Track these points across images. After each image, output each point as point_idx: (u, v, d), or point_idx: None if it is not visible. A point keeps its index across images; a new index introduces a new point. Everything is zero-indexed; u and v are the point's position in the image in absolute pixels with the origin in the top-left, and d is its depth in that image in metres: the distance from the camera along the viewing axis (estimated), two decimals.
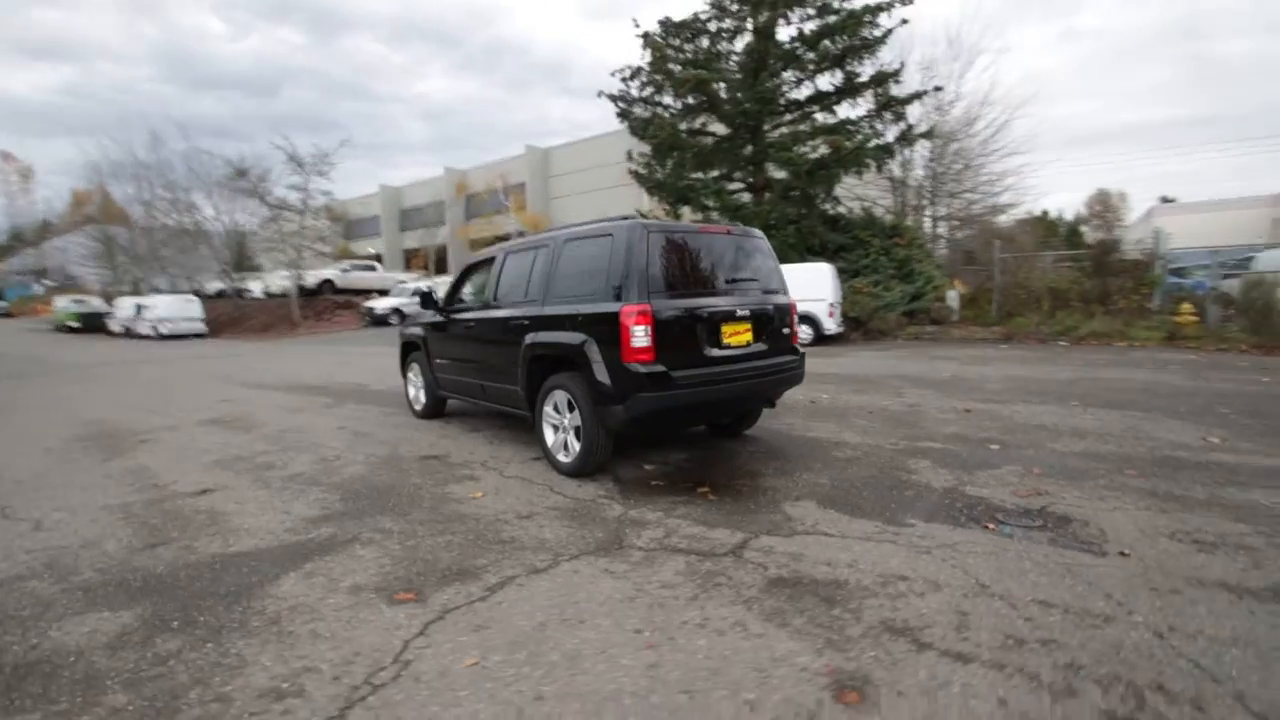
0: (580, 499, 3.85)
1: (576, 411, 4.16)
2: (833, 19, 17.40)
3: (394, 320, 24.46)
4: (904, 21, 17.09)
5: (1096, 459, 4.33)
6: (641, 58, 19.93)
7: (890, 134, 17.57)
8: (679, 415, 4.18)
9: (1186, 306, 12.82)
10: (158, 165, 29.37)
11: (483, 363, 5.22)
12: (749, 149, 19.09)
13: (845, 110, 18.60)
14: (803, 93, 18.80)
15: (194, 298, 25.18)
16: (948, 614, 2.37)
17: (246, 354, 16.69)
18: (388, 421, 6.47)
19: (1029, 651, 2.12)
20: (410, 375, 6.71)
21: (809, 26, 17.87)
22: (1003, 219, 26.99)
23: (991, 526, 3.22)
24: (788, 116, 19.10)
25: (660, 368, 3.83)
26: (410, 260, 41.18)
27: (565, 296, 4.36)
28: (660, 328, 3.86)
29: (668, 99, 19.86)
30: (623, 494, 3.93)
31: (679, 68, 18.61)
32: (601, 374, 3.93)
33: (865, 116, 17.96)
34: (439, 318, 6.00)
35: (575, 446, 4.23)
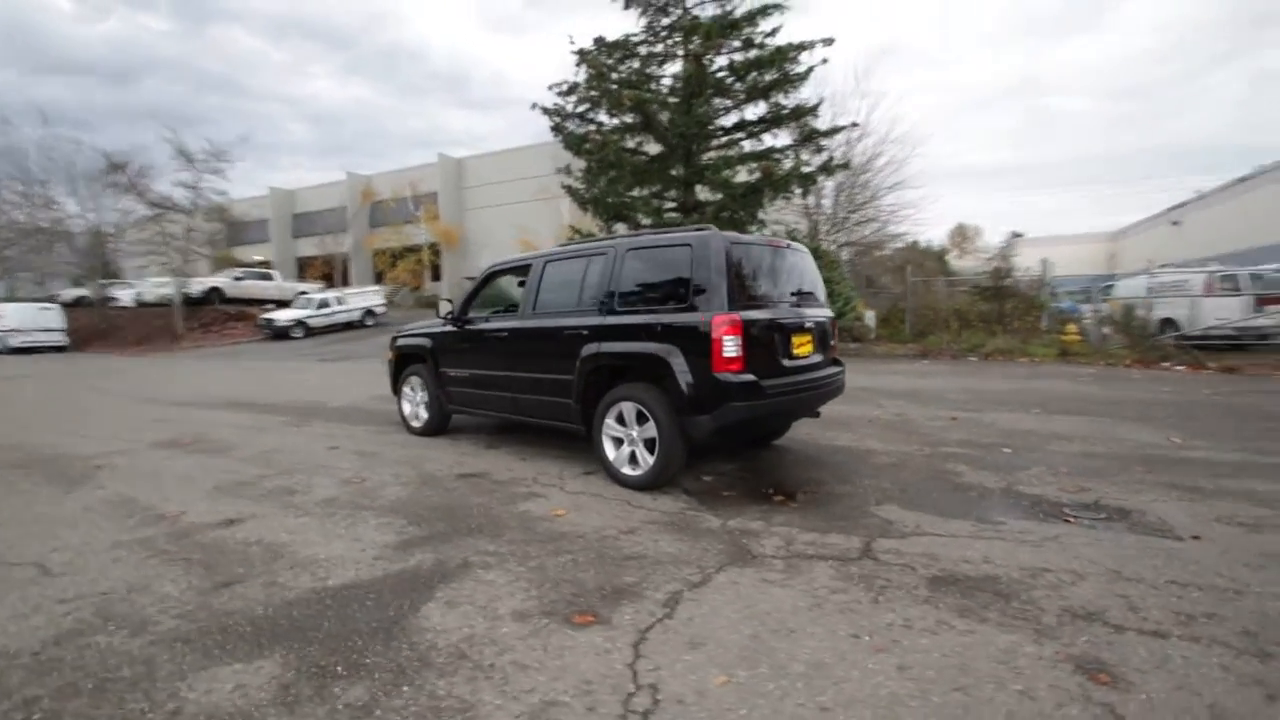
0: (669, 511, 3.77)
1: (651, 423, 4.08)
2: (758, 53, 18.40)
3: (298, 333, 22.62)
4: (824, 61, 18.36)
5: (1100, 459, 4.86)
6: (576, 74, 20.05)
7: (814, 163, 18.79)
8: (758, 424, 4.22)
9: (1071, 327, 14.64)
10: (7, 150, 25.31)
11: (519, 375, 4.98)
12: (680, 169, 19.68)
13: (769, 139, 19.75)
14: (731, 119, 19.66)
15: (52, 305, 21.84)
16: (1110, 598, 2.57)
17: (131, 370, 14.72)
18: (385, 439, 5.97)
19: (1203, 624, 2.35)
20: (406, 390, 6.25)
21: (739, 57, 18.79)
22: (892, 247, 29.53)
23: (1072, 520, 3.52)
24: (718, 141, 19.89)
25: (750, 377, 3.86)
26: (305, 269, 38.24)
27: (634, 306, 4.28)
28: (747, 338, 3.90)
29: (603, 116, 20.11)
30: (704, 505, 3.89)
31: (615, 87, 18.90)
32: (688, 384, 3.89)
33: (790, 146, 19.03)
34: (450, 328, 5.66)
35: (646, 459, 4.14)
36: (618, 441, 4.35)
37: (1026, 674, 2.07)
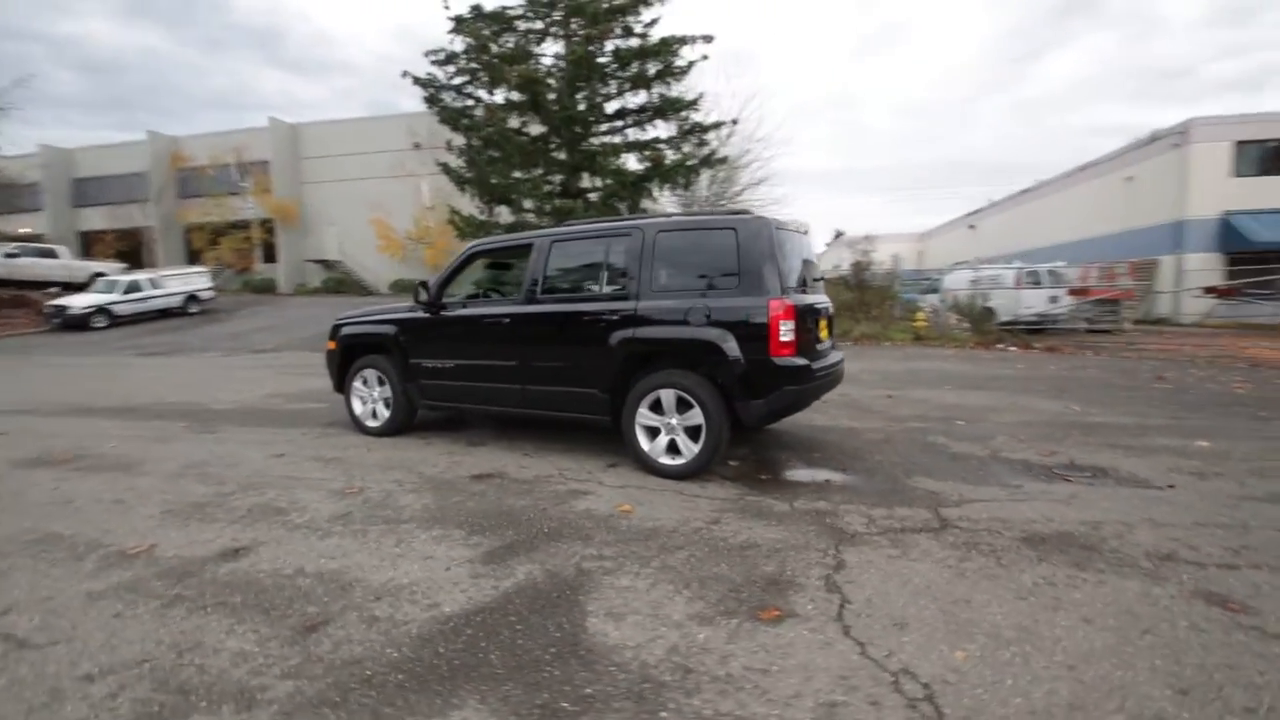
0: (729, 499, 3.72)
1: (695, 409, 3.98)
2: (641, 43, 18.51)
3: (100, 323, 18.81)
4: (705, 57, 18.95)
5: (1037, 426, 5.64)
6: (451, 43, 18.78)
7: (697, 156, 19.40)
8: (797, 408, 4.30)
9: (921, 314, 16.71)
10: None
11: (529, 365, 4.58)
12: (564, 154, 19.28)
13: (652, 130, 20.02)
14: (613, 106, 19.60)
15: None
16: (1167, 541, 3.01)
17: None
18: (337, 443, 5.18)
19: (1251, 554, 2.84)
20: (357, 385, 5.46)
21: (623, 45, 18.74)
22: None
23: (1070, 480, 4.06)
24: (603, 128, 19.75)
25: (803, 360, 3.92)
26: (92, 244, 31.74)
27: (673, 290, 4.13)
28: (798, 322, 3.95)
29: (482, 92, 19.01)
30: (754, 490, 3.90)
31: (498, 61, 17.96)
32: (743, 369, 3.85)
33: (673, 138, 19.43)
34: (422, 314, 5.05)
35: (690, 448, 4.04)
36: (651, 431, 4.19)
37: (1177, 612, 2.35)
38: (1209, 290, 19.53)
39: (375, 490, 3.90)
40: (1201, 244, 21.37)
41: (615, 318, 4.21)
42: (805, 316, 4.10)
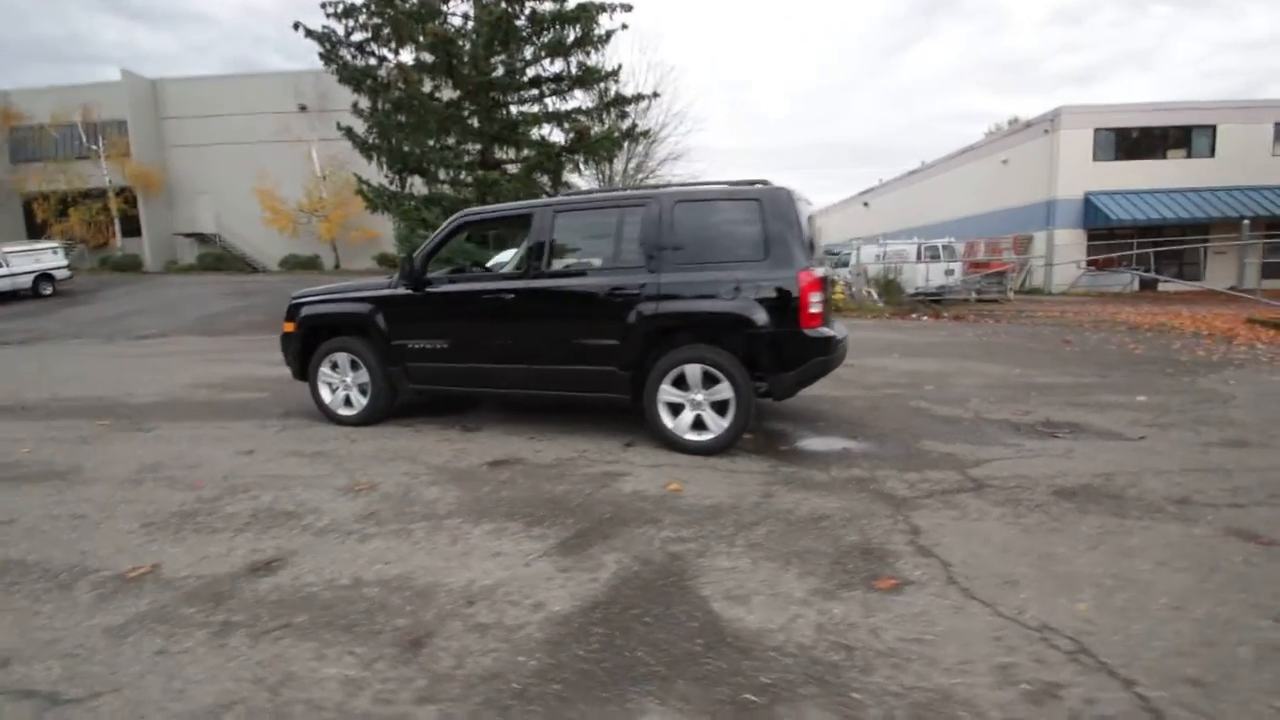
0: (770, 471, 3.72)
1: (722, 384, 3.93)
2: (556, 7, 17.76)
3: None
4: (624, 26, 18.52)
5: (996, 389, 6.10)
6: None
7: (620, 129, 19.06)
8: (817, 379, 4.33)
9: (839, 286, 17.58)
10: None
11: (539, 343, 4.30)
12: (480, 122, 18.31)
13: (573, 101, 19.43)
14: (531, 74, 18.78)
15: None
16: (1174, 487, 3.33)
17: None
18: (309, 435, 4.66)
19: (1247, 494, 3.21)
20: (325, 371, 4.91)
21: (540, 8, 17.91)
22: None
23: (1059, 436, 4.41)
24: (522, 95, 18.91)
25: (830, 331, 3.95)
26: None
27: (696, 263, 4.00)
28: (823, 292, 3.97)
29: (387, 51, 17.53)
30: (786, 461, 3.94)
31: (404, 16, 16.61)
32: (774, 342, 3.84)
33: (594, 109, 18.94)
34: (405, 290, 4.61)
35: (718, 423, 3.99)
36: (674, 408, 4.09)
37: (1221, 549, 2.61)
38: (1091, 263, 21.97)
39: (389, 485, 3.54)
40: (1068, 221, 23.94)
41: (635, 292, 4.04)
42: (826, 287, 4.13)
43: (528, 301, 4.29)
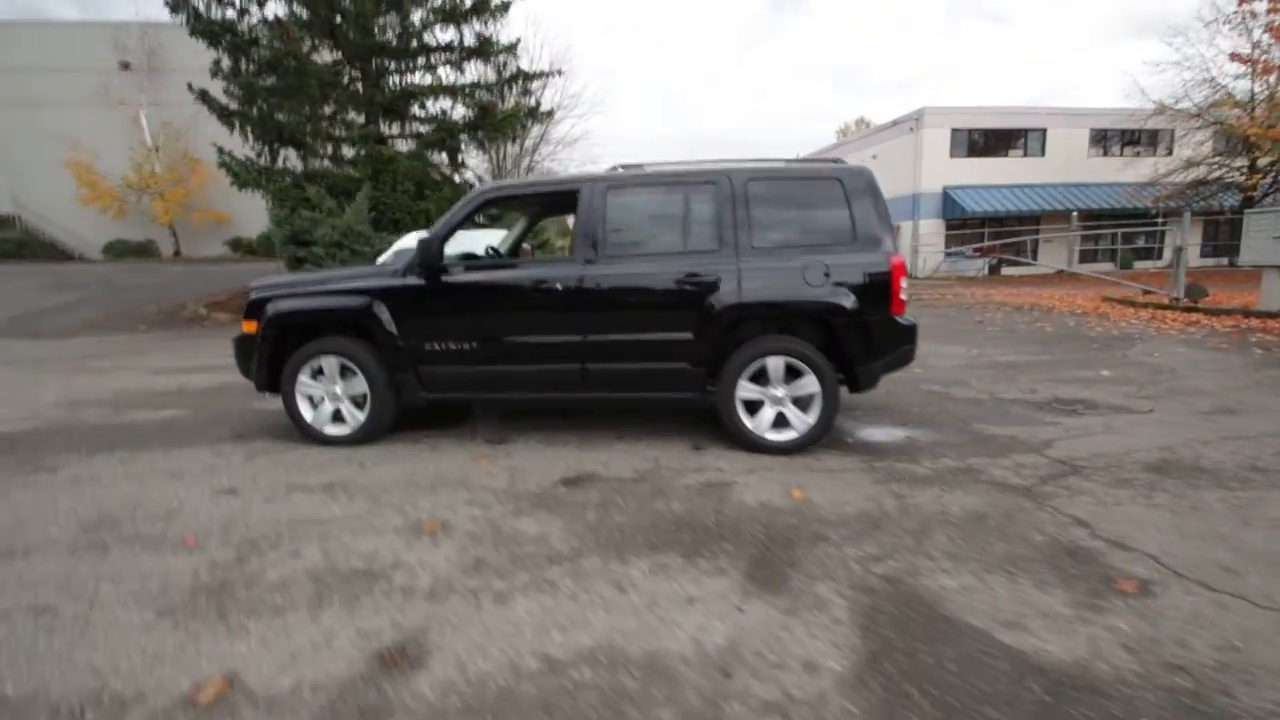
0: (864, 468, 3.51)
1: (807, 376, 3.66)
2: None
3: None
4: None
5: (978, 369, 6.40)
6: None
7: (524, 106, 18.01)
8: None
9: None
10: None
11: (593, 340, 3.73)
12: (365, 89, 16.46)
13: (471, 74, 18.07)
14: (425, 41, 17.18)
15: None
16: (1229, 454, 3.57)
17: None
18: (300, 461, 3.73)
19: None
20: (306, 381, 3.97)
21: None
22: None
23: (1080, 413, 4.64)
24: (413, 63, 17.23)
25: (913, 319, 3.80)
26: None
27: (777, 248, 3.67)
28: None
29: (252, 5, 15.09)
30: (872, 455, 3.76)
31: None
32: (866, 331, 3.62)
33: (494, 84, 17.77)
34: (415, 280, 3.82)
35: (802, 419, 3.71)
36: (751, 405, 3.76)
37: None
38: (978, 250, 24.36)
39: (465, 522, 2.87)
40: (930, 212, 26.44)
41: (713, 280, 3.62)
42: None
43: (584, 293, 3.70)
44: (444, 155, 17.56)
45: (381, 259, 11.16)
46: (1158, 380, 5.60)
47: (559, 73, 19.12)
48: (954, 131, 26.48)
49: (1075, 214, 20.97)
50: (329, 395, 3.99)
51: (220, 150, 14.80)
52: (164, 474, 3.58)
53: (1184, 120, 22.38)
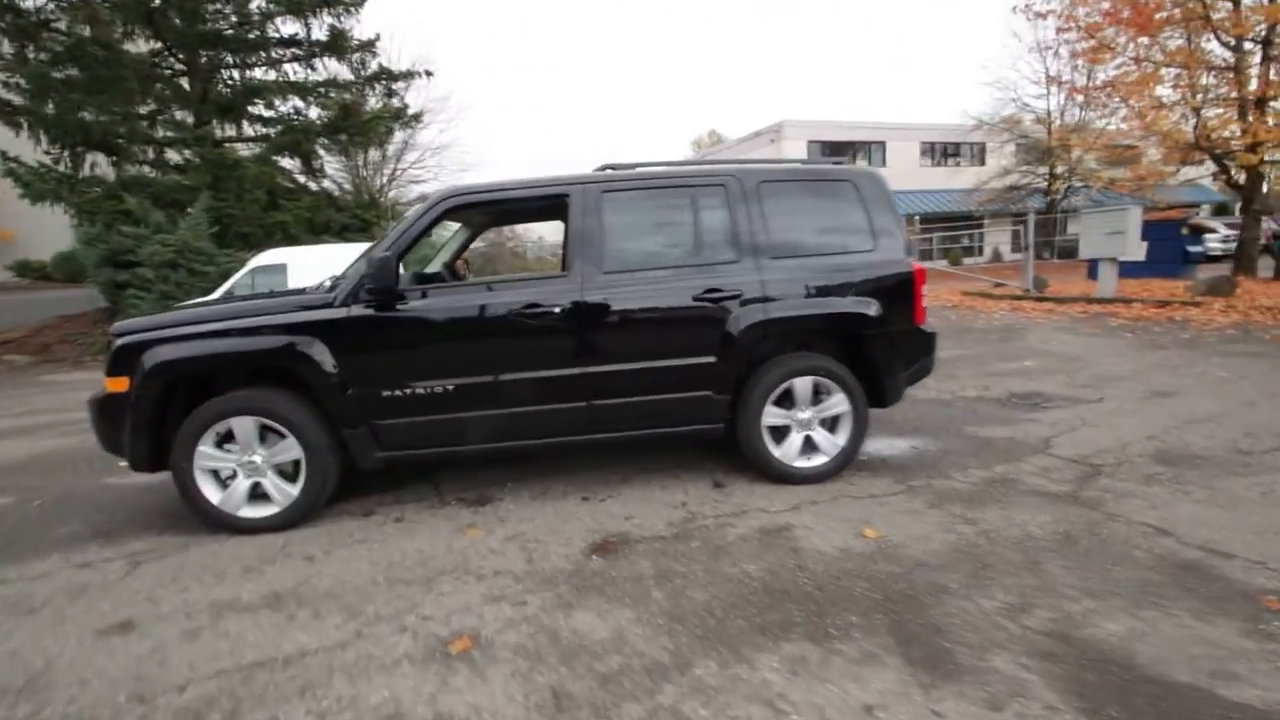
0: (903, 490, 3.26)
1: (836, 396, 3.34)
2: None
3: None
4: None
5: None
6: None
7: (391, 108, 16.47)
8: None
9: None
10: None
11: (600, 371, 3.11)
12: (189, 84, 14.14)
13: (324, 72, 16.20)
14: (261, 33, 15.13)
15: None
16: (1221, 438, 3.78)
17: None
18: (206, 564, 2.73)
19: (1268, 437, 3.78)
20: (208, 451, 2.94)
21: None
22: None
23: (1045, 407, 4.79)
24: (251, 58, 15.09)
25: (933, 328, 3.61)
26: None
27: (794, 255, 3.30)
28: None
29: None
30: (891, 473, 3.54)
31: None
32: (892, 342, 3.37)
33: (353, 83, 16.12)
34: (365, 309, 2.99)
35: (828, 442, 3.38)
36: (777, 431, 3.37)
37: None
38: None
39: (501, 632, 2.16)
40: None
41: (734, 294, 3.18)
42: None
43: (585, 316, 3.08)
44: (297, 160, 15.57)
45: (233, 280, 9.47)
46: (1076, 368, 6.02)
47: (427, 73, 17.68)
48: (810, 143, 28.38)
49: (917, 218, 23.28)
50: (244, 467, 3.00)
51: (3, 155, 11.88)
52: (2, 608, 2.44)
53: (996, 133, 25.79)
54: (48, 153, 12.64)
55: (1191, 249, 15.73)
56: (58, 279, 20.01)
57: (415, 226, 3.08)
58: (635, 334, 3.18)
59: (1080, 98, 20.84)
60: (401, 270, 3.17)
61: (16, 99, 12.17)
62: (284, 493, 3.03)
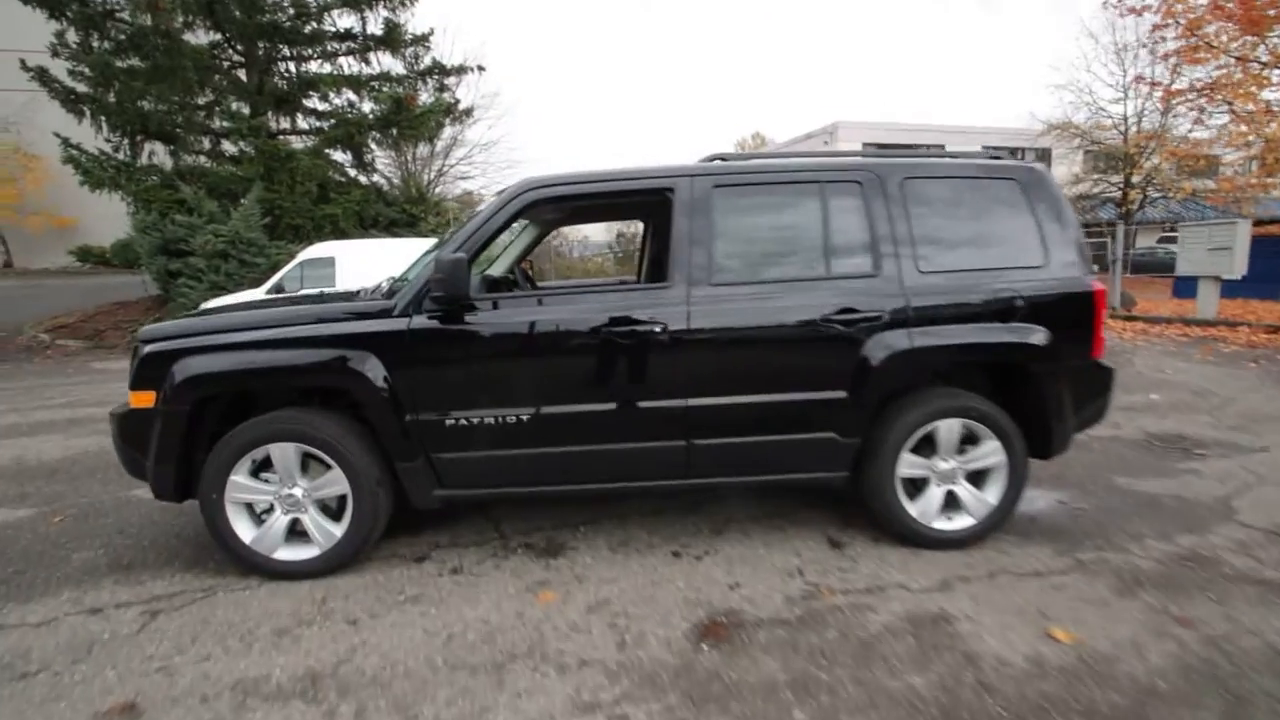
0: (1074, 563, 2.63)
1: (989, 443, 2.71)
2: None
3: None
4: None
5: None
6: None
7: (444, 103, 16.25)
8: None
9: None
10: None
11: (702, 405, 2.56)
12: (246, 75, 14.12)
13: (376, 65, 16.07)
14: (324, 26, 15.05)
15: None
16: None
17: None
18: (243, 623, 2.27)
19: None
20: (242, 481, 2.49)
21: None
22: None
23: (1196, 452, 4.06)
24: (308, 51, 15.05)
25: (1110, 361, 2.94)
26: None
27: (947, 269, 2.69)
28: None
29: None
30: (1053, 538, 2.89)
31: None
32: (1070, 378, 2.73)
33: (406, 77, 15.93)
34: (438, 321, 2.50)
35: (974, 500, 2.75)
36: (914, 484, 2.76)
37: None
38: None
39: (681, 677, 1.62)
40: None
41: (874, 315, 2.58)
42: None
43: (691, 336, 2.52)
44: (349, 154, 15.49)
45: (282, 273, 9.25)
46: (1213, 405, 5.22)
47: (480, 68, 17.42)
48: (865, 145, 27.37)
49: None
50: (282, 501, 2.54)
51: (65, 142, 12.01)
52: None
53: (1066, 138, 24.32)
54: (108, 140, 12.76)
55: None
56: (117, 265, 20.47)
57: (491, 223, 2.58)
58: (748, 361, 2.61)
59: (1166, 102, 19.42)
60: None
61: (81, 87, 12.27)
62: (326, 533, 2.56)
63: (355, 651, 2.10)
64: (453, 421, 2.51)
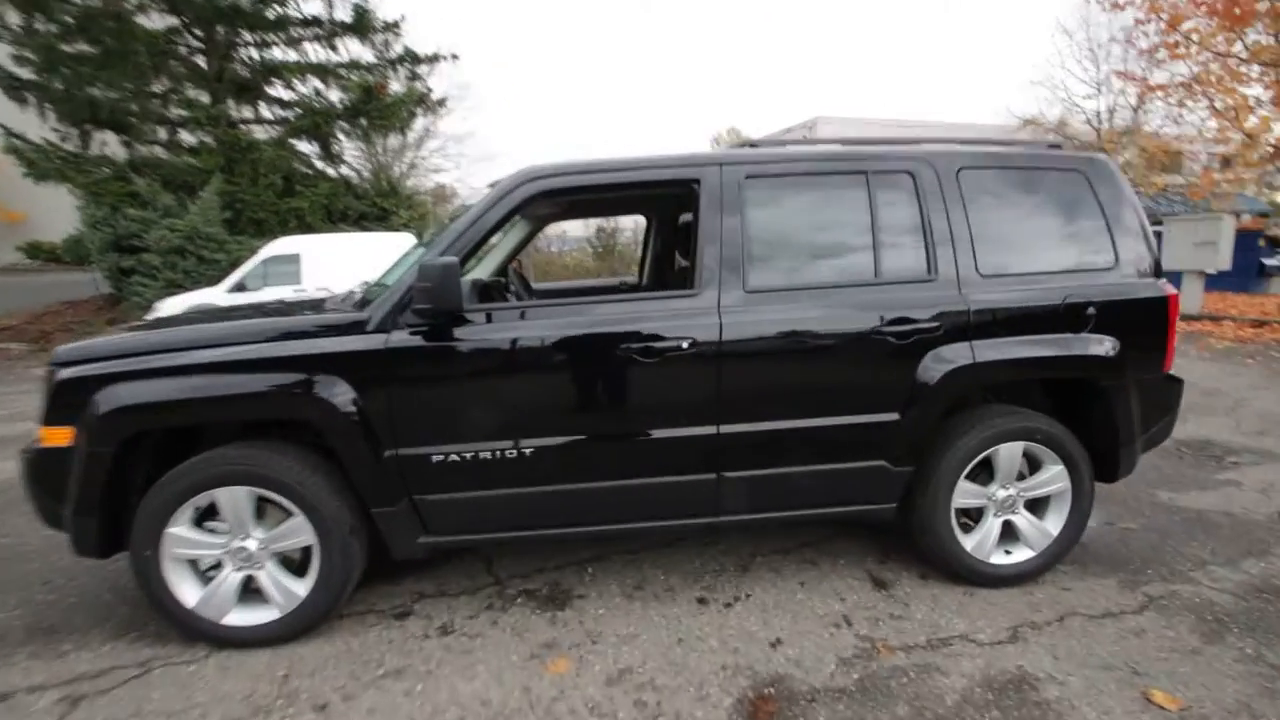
0: (1144, 598, 2.34)
1: (1053, 468, 2.40)
2: None
3: None
4: None
5: None
6: None
7: (416, 91, 15.60)
8: None
9: None
10: None
11: (736, 431, 2.20)
12: (205, 62, 13.34)
13: (344, 53, 15.34)
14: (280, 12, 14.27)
15: None
16: None
17: None
18: (186, 713, 1.85)
19: None
20: (181, 533, 2.05)
21: None
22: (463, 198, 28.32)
23: (1230, 462, 3.84)
24: (269, 36, 14.27)
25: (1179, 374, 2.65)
26: None
27: (1006, 273, 2.35)
28: None
29: None
30: (1115, 568, 2.60)
31: None
32: (1139, 394, 2.42)
33: (376, 65, 15.24)
34: (419, 336, 2.09)
35: (1034, 531, 2.45)
36: (967, 514, 2.44)
37: None
38: None
39: None
40: None
41: (929, 326, 2.24)
42: None
43: (722, 351, 2.15)
44: (315, 145, 14.78)
45: (244, 270, 8.64)
46: (1228, 406, 5.07)
47: (454, 57, 16.74)
48: (844, 141, 27.28)
49: None
50: (233, 555, 2.11)
51: (8, 132, 11.14)
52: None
53: (1043, 134, 24.48)
54: (55, 130, 11.90)
55: (1268, 261, 14.62)
56: (69, 262, 19.36)
57: (485, 219, 2.17)
58: (788, 379, 2.26)
59: (1142, 97, 19.60)
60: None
61: (25, 73, 11.41)
62: (287, 591, 2.14)
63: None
64: (440, 457, 2.10)
